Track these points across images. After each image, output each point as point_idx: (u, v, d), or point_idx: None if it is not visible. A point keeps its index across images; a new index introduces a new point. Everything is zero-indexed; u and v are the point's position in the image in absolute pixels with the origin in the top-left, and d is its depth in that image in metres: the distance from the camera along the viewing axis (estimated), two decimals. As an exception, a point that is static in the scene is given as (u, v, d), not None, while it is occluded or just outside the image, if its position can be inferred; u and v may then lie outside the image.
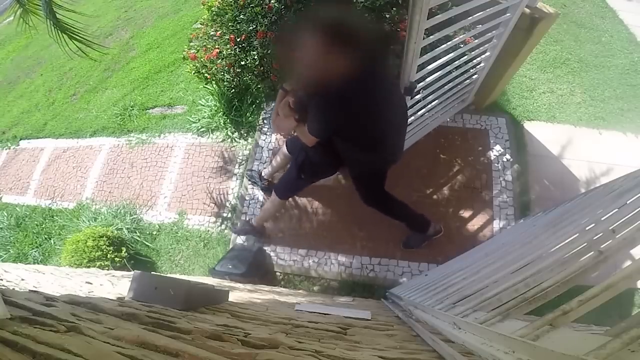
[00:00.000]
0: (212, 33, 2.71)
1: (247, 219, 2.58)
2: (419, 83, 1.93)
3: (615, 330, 0.41)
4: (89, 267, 2.29)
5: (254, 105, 2.99)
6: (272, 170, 2.49)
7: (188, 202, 2.81)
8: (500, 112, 2.79)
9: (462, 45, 1.98)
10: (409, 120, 2.12)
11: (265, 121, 2.99)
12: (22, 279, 1.18)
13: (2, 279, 1.09)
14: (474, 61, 2.18)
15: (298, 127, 1.53)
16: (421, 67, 1.82)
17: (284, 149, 2.19)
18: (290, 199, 2.46)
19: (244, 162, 2.88)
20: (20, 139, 3.77)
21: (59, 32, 2.07)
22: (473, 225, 2.41)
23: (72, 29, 2.12)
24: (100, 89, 3.86)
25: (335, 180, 2.60)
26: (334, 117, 1.36)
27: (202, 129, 3.07)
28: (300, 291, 2.31)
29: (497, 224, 2.39)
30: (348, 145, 1.57)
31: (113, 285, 1.37)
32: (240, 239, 2.54)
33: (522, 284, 0.69)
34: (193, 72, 2.83)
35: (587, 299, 0.47)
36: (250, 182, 2.71)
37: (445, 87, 2.20)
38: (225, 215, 2.69)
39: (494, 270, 0.96)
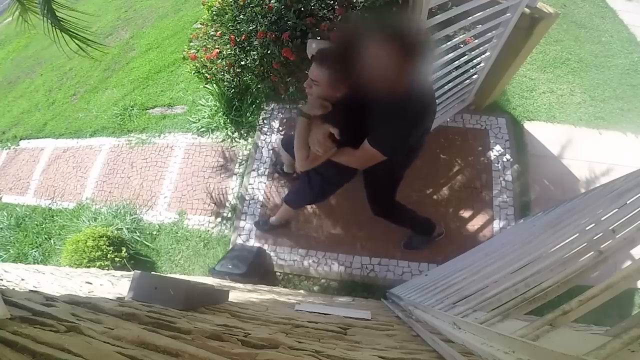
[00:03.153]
0: (212, 33, 2.72)
1: (262, 221, 2.55)
2: (419, 83, 1.93)
3: (615, 330, 0.41)
4: (89, 267, 2.29)
5: (254, 105, 3.00)
6: (288, 161, 2.45)
7: (188, 202, 2.81)
8: (500, 112, 2.79)
9: (462, 45, 1.98)
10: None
11: (265, 121, 2.99)
12: (22, 279, 1.18)
13: (2, 279, 1.09)
14: (474, 61, 2.18)
15: (342, 155, 1.34)
16: (421, 67, 1.82)
17: (281, 148, 2.12)
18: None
19: (244, 162, 2.88)
20: (20, 139, 3.77)
21: (58, 31, 2.05)
22: (473, 225, 2.41)
23: (72, 27, 2.11)
24: (100, 89, 3.87)
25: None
26: (417, 129, 1.23)
27: (202, 129, 3.07)
28: (300, 291, 2.31)
29: (497, 224, 2.39)
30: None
31: (113, 285, 1.37)
32: (241, 239, 2.54)
33: (522, 284, 0.69)
34: (193, 72, 2.83)
35: (587, 299, 0.47)
36: (279, 174, 2.70)
37: (445, 87, 2.20)
38: (225, 215, 2.69)
39: (494, 270, 0.96)
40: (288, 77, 2.45)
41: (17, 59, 5.07)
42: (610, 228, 0.73)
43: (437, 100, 2.27)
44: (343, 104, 1.28)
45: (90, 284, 1.31)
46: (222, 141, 3.00)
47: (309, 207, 2.56)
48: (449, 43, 1.87)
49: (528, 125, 2.76)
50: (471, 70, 2.27)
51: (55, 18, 2.02)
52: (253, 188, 2.71)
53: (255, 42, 2.38)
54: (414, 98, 1.17)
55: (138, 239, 2.69)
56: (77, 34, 2.13)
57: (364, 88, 1.13)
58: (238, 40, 2.46)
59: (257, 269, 2.33)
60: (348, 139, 1.29)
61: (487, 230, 2.38)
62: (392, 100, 1.16)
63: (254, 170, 2.78)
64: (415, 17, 1.39)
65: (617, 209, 0.84)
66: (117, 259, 2.40)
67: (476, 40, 1.98)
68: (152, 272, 2.26)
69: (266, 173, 2.76)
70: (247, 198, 2.69)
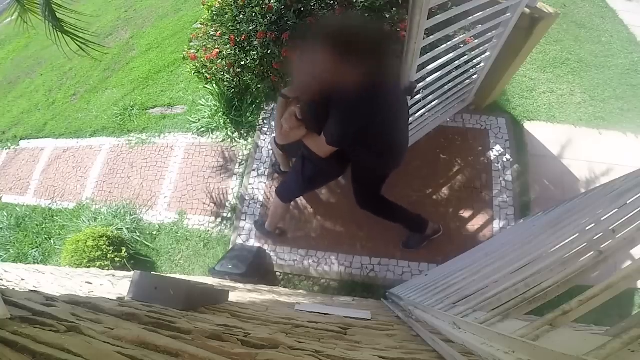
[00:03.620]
0: (212, 33, 2.72)
1: (261, 222, 2.53)
2: (419, 83, 1.94)
3: (615, 330, 0.41)
4: (89, 267, 2.29)
5: (254, 105, 2.99)
6: (283, 162, 2.51)
7: (188, 202, 2.81)
8: (500, 112, 2.79)
9: (462, 45, 1.98)
10: (409, 120, 2.13)
11: (265, 121, 2.99)
12: (22, 279, 1.18)
13: (2, 279, 1.09)
14: (474, 61, 2.18)
15: (308, 138, 1.48)
16: (421, 67, 1.82)
17: (273, 145, 2.18)
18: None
19: (244, 162, 2.88)
20: (20, 139, 3.77)
21: (58, 32, 2.06)
22: (473, 225, 2.41)
23: (72, 29, 2.12)
24: (100, 89, 3.86)
25: (334, 181, 2.60)
26: (358, 124, 1.32)
27: (202, 129, 3.07)
28: (300, 291, 2.31)
29: (497, 224, 2.39)
30: (361, 152, 1.53)
31: (113, 285, 1.37)
32: (241, 239, 2.54)
33: (522, 284, 0.69)
34: (193, 72, 2.83)
35: (587, 299, 0.47)
36: (278, 174, 2.72)
37: (445, 87, 2.20)
38: (225, 215, 2.69)
39: (494, 270, 0.96)
40: (288, 77, 2.45)
41: (17, 59, 5.07)
42: (610, 228, 0.73)
43: (437, 100, 2.28)
44: (317, 93, 1.38)
45: (90, 284, 1.31)
46: (222, 141, 3.00)
47: (309, 207, 2.56)
48: (449, 43, 1.87)
49: (528, 125, 2.76)
50: (471, 70, 2.27)
51: (55, 19, 2.03)
52: (253, 188, 2.71)
53: (255, 42, 2.38)
54: (358, 95, 1.24)
55: (138, 239, 2.69)
56: (77, 35, 2.13)
57: (318, 79, 1.24)
58: (238, 40, 2.46)
59: (257, 269, 2.33)
60: (319, 124, 1.42)
61: (487, 230, 2.38)
62: (340, 92, 1.26)
63: (254, 170, 2.78)
64: (415, 19, 1.39)
65: (617, 209, 0.84)
66: (117, 259, 2.40)
67: (476, 40, 1.98)
68: (152, 272, 2.26)
69: (266, 173, 2.76)
70: (247, 198, 2.69)
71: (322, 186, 2.07)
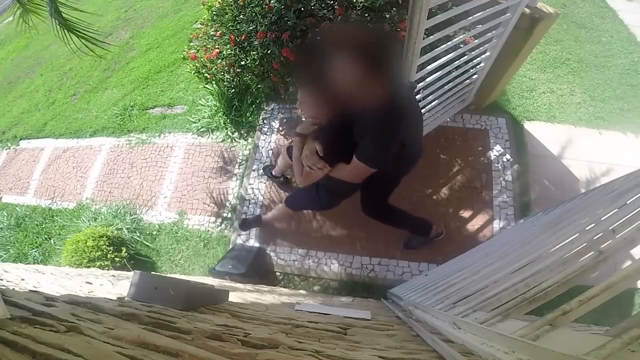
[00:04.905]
0: (212, 33, 2.71)
1: (259, 212, 2.55)
2: (419, 83, 1.94)
3: (615, 330, 0.41)
4: (89, 267, 2.29)
5: (254, 105, 2.99)
6: (280, 169, 2.49)
7: (188, 202, 2.81)
8: (500, 112, 2.79)
9: (462, 45, 1.98)
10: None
11: (265, 121, 2.99)
12: (22, 279, 1.18)
13: (2, 279, 1.09)
14: (474, 61, 2.18)
15: (336, 171, 1.39)
16: (421, 67, 1.82)
17: (284, 153, 2.13)
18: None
19: (244, 162, 2.88)
20: (20, 139, 3.77)
21: (65, 30, 2.08)
22: (473, 225, 2.41)
23: (78, 27, 2.14)
24: (100, 89, 3.87)
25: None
26: (397, 138, 1.25)
27: (202, 129, 3.07)
28: (300, 291, 2.31)
29: (497, 224, 2.39)
30: (393, 162, 1.42)
31: (113, 285, 1.37)
32: (241, 239, 2.54)
33: (522, 284, 0.69)
34: (193, 72, 2.83)
35: (587, 299, 0.47)
36: (267, 177, 2.71)
37: (445, 87, 2.20)
38: (225, 215, 2.69)
39: (494, 270, 0.96)
40: (288, 77, 2.45)
41: (17, 59, 5.07)
42: (610, 228, 0.73)
43: (437, 100, 2.28)
44: (334, 121, 1.32)
45: (90, 284, 1.31)
46: (222, 141, 3.00)
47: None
48: (449, 43, 1.87)
49: (528, 125, 2.76)
50: (471, 70, 2.27)
51: (61, 17, 2.05)
52: (253, 188, 2.71)
53: (255, 42, 2.38)
54: (387, 107, 1.17)
55: (138, 239, 2.69)
56: (83, 33, 2.15)
57: (340, 103, 1.15)
58: (238, 40, 2.46)
59: (257, 269, 2.33)
60: (342, 155, 1.33)
61: (487, 230, 2.38)
62: (367, 111, 1.19)
63: (254, 170, 2.78)
64: (415, 19, 1.39)
65: (617, 209, 0.84)
66: (117, 259, 2.40)
67: (476, 40, 1.98)
68: (152, 272, 2.26)
69: (266, 173, 2.76)
70: (247, 198, 2.68)
71: (338, 205, 1.99)
